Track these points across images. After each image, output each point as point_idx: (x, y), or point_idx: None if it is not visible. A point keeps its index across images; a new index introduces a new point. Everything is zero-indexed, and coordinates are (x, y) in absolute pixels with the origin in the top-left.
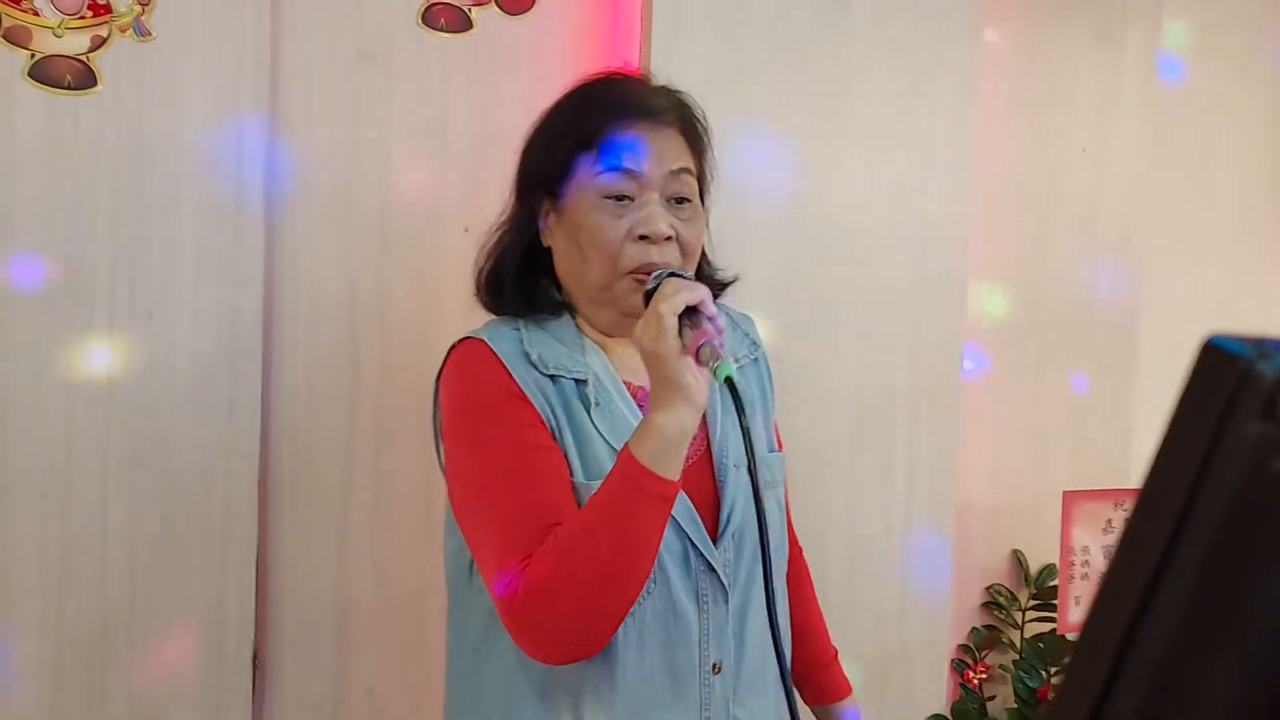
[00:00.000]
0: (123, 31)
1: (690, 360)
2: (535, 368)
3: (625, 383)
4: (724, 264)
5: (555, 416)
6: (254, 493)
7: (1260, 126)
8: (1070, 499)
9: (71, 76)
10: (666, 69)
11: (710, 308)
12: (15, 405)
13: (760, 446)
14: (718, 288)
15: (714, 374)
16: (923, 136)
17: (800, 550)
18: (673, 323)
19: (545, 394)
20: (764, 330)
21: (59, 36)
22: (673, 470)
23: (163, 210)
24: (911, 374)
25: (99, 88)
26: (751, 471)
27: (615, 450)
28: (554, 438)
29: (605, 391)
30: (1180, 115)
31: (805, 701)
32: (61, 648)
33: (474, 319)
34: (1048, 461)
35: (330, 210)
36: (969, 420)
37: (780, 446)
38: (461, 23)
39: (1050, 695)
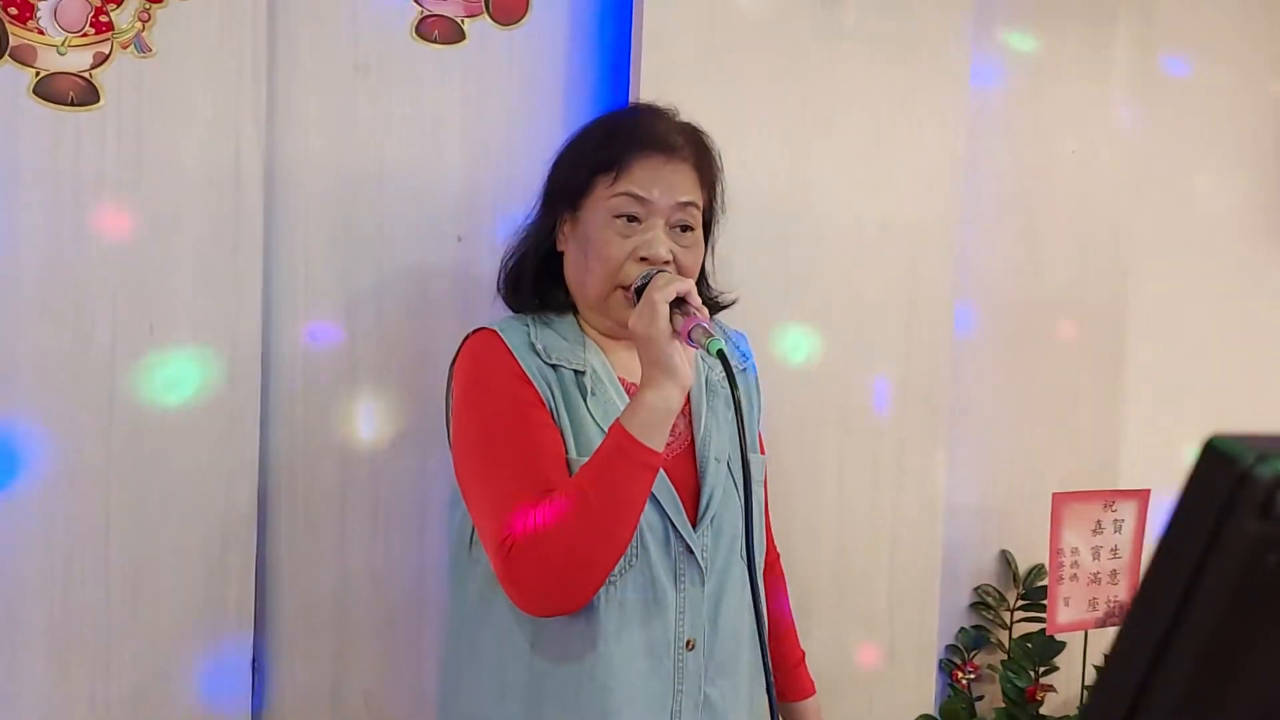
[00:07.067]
0: (124, 48)
1: (679, 344)
2: (539, 356)
3: (620, 378)
4: (720, 268)
5: (554, 399)
6: (254, 500)
7: (1249, 127)
8: (1060, 500)
9: (74, 93)
10: (657, 77)
11: (696, 299)
12: (22, 417)
13: (746, 445)
14: (717, 309)
15: (707, 349)
16: (913, 140)
17: (778, 556)
18: (665, 310)
19: (546, 379)
20: (755, 335)
21: (62, 54)
22: (657, 442)
23: (163, 224)
24: (900, 377)
25: (101, 104)
26: (740, 425)
27: (606, 433)
28: (552, 418)
29: (601, 383)
30: (1168, 116)
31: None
32: (68, 650)
33: (468, 326)
34: (1036, 463)
35: (327, 221)
36: (958, 422)
37: (763, 452)
38: (454, 34)
39: None
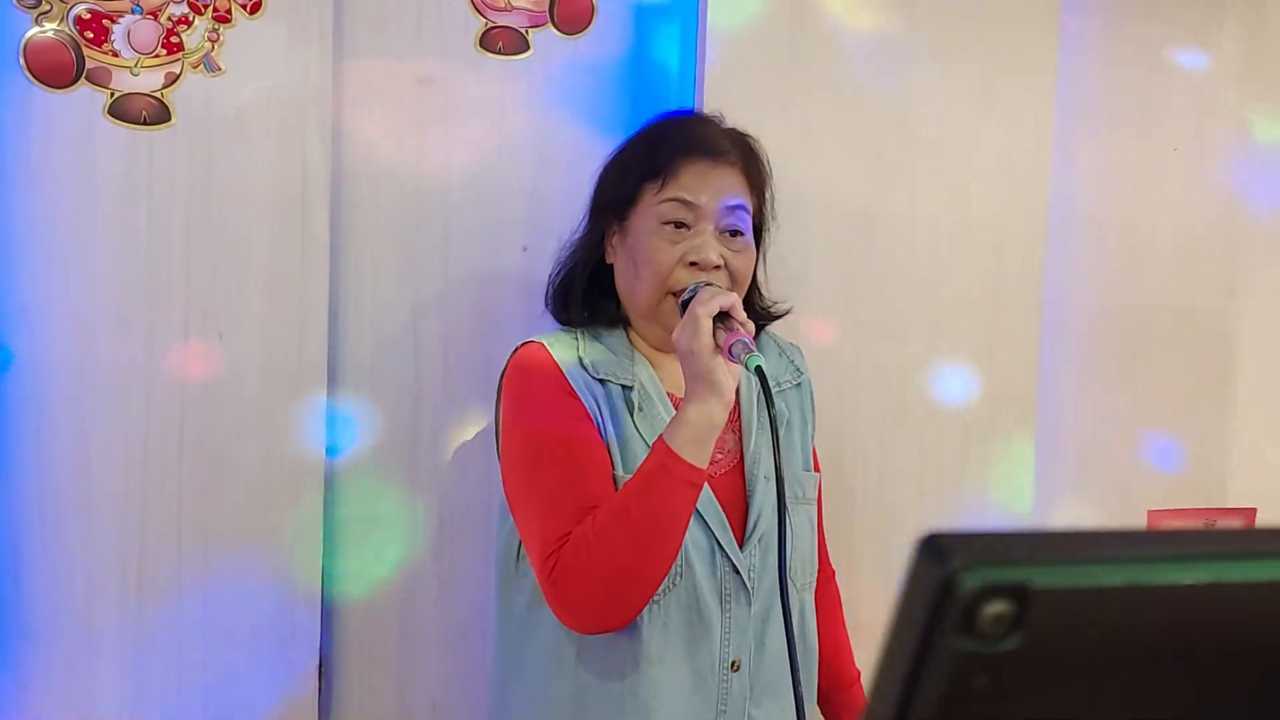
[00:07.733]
0: (194, 68)
1: (721, 359)
2: (586, 371)
3: (669, 393)
4: (793, 278)
5: (601, 415)
6: (319, 507)
7: None
8: (1155, 519)
9: (147, 113)
10: (724, 85)
11: (740, 313)
12: (97, 427)
13: (796, 463)
14: (770, 320)
15: (745, 365)
16: (996, 140)
17: (833, 573)
18: (707, 324)
19: (594, 394)
20: (834, 345)
21: (135, 75)
22: (700, 459)
23: (233, 238)
24: (984, 388)
25: (173, 122)
26: (775, 445)
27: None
28: (599, 433)
29: (648, 398)
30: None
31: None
32: (140, 658)
33: (534, 336)
34: (1132, 479)
35: (393, 233)
36: (1048, 434)
37: (817, 469)
38: (519, 45)
39: None
